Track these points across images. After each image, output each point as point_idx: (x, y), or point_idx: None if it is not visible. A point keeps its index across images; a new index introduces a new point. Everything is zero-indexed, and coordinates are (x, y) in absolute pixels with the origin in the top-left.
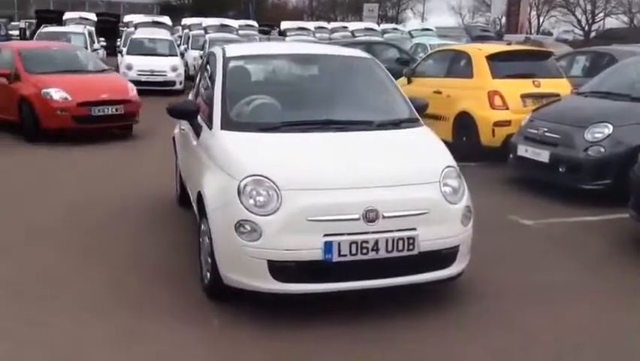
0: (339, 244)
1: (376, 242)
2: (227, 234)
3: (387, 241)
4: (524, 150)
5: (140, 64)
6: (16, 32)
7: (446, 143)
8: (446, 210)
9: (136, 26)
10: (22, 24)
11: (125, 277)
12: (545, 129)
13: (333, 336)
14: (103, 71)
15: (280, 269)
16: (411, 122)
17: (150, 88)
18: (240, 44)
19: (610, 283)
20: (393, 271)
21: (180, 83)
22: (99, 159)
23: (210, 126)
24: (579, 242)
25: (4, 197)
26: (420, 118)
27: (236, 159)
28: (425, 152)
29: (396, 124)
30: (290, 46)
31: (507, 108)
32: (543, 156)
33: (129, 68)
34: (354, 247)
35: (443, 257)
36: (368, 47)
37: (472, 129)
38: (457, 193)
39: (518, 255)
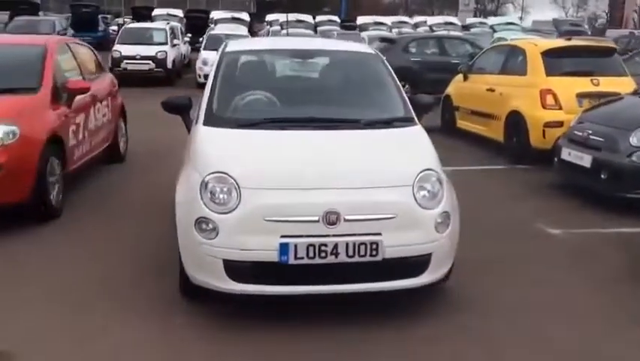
0: (295, 246)
1: (336, 246)
2: (188, 231)
3: (347, 246)
4: (567, 154)
5: (215, 58)
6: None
7: (497, 144)
8: (417, 216)
9: (215, 22)
10: (120, 20)
11: (116, 270)
12: (590, 132)
13: (297, 341)
14: None
15: (236, 269)
16: (404, 122)
17: None
18: (246, 39)
19: (614, 307)
20: (355, 277)
21: None
22: None
23: (196, 122)
24: (602, 256)
25: None
26: (414, 117)
27: (205, 155)
28: (406, 153)
29: (387, 123)
30: (294, 41)
31: (560, 108)
32: (585, 160)
33: (204, 63)
34: (311, 249)
35: (412, 265)
36: (438, 41)
37: (523, 130)
38: (434, 198)
39: (528, 266)
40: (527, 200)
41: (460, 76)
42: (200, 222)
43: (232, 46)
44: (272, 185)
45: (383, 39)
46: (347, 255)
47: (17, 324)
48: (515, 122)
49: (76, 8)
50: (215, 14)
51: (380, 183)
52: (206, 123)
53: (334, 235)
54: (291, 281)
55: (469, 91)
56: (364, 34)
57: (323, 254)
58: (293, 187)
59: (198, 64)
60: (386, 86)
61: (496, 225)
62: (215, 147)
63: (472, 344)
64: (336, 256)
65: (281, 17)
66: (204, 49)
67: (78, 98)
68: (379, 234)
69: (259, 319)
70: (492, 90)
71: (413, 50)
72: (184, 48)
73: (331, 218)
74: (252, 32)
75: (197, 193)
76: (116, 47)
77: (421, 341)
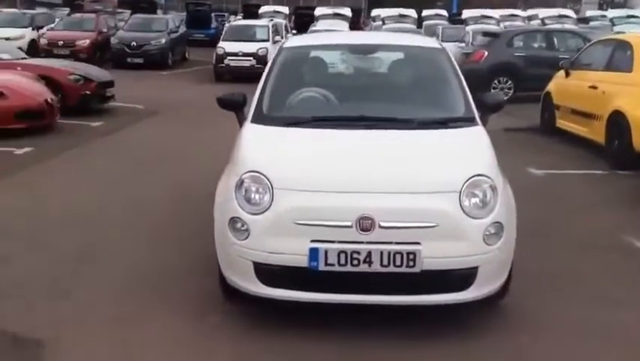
0: (326, 252)
1: (369, 254)
2: (223, 230)
3: (382, 254)
4: None
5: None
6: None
7: (598, 146)
8: (463, 225)
9: (317, 19)
10: (232, 18)
11: (166, 260)
12: None
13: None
14: None
15: (266, 272)
16: (463, 122)
17: None
18: (309, 35)
19: None
20: (390, 288)
21: None
22: None
23: (246, 119)
24: None
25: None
26: (476, 117)
27: (244, 153)
28: (457, 157)
29: (443, 123)
30: (356, 36)
31: None
32: None
33: None
34: (343, 256)
35: (455, 279)
36: (546, 35)
37: (625, 132)
38: (485, 207)
39: (605, 283)
40: (622, 209)
41: (561, 72)
42: (234, 222)
43: (291, 42)
44: (305, 187)
45: (486, 33)
46: (381, 264)
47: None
48: (617, 123)
49: (191, 7)
50: (318, 10)
51: (422, 188)
52: (253, 121)
53: (368, 242)
54: (322, 289)
55: (570, 88)
56: (469, 28)
57: (355, 262)
58: (327, 190)
59: None
60: (448, 83)
61: (580, 235)
62: (256, 146)
63: None
64: (370, 265)
65: (384, 12)
66: None
67: None
68: (418, 243)
69: (293, 322)
70: (594, 88)
71: (518, 45)
72: None
73: (365, 224)
74: (359, 27)
75: (233, 192)
76: (221, 43)
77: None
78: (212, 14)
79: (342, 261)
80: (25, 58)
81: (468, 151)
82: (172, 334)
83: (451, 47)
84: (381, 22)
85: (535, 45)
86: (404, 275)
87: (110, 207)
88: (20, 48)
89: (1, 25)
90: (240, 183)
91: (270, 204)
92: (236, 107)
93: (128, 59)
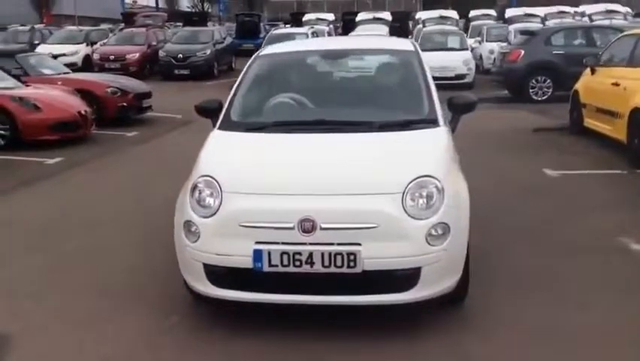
0: (269, 253)
1: (311, 255)
2: (179, 233)
3: (323, 255)
4: None
5: (433, 59)
6: None
7: (622, 146)
8: (404, 226)
9: (357, 23)
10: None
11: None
12: None
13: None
14: None
15: (215, 274)
16: (424, 124)
17: (440, 82)
18: (289, 42)
19: None
20: (333, 288)
21: (470, 77)
22: None
23: (214, 125)
24: None
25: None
26: (438, 119)
27: (202, 158)
28: (406, 158)
29: (403, 125)
30: (331, 42)
31: None
32: None
33: None
34: (285, 257)
35: (397, 279)
36: (586, 32)
37: None
38: (429, 208)
39: (579, 286)
40: (629, 210)
41: (588, 70)
42: (188, 225)
43: (268, 49)
44: (250, 190)
45: (523, 31)
46: (323, 265)
47: None
48: (638, 120)
49: (240, 17)
50: (360, 16)
51: (365, 190)
52: (220, 127)
53: (310, 244)
54: (268, 289)
55: (595, 86)
56: (511, 27)
57: (297, 263)
58: (270, 192)
59: None
60: (414, 85)
61: (574, 236)
62: (214, 152)
63: None
64: (312, 266)
65: (425, 14)
66: None
67: None
68: (358, 244)
69: (259, 323)
70: (616, 85)
71: (556, 43)
72: None
73: (306, 225)
74: (407, 32)
75: (187, 196)
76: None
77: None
78: (262, 24)
79: (285, 262)
80: (67, 73)
81: (419, 153)
82: (137, 330)
83: (493, 47)
84: (421, 26)
85: (575, 42)
86: (346, 276)
87: (123, 213)
88: (75, 63)
89: (59, 41)
90: (194, 188)
91: (219, 208)
92: (210, 113)
93: (175, 71)
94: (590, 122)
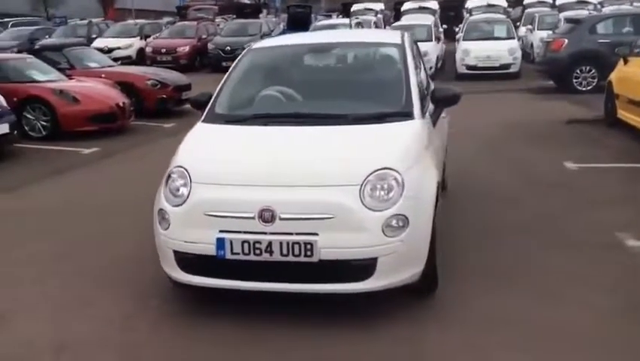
0: (231, 242)
1: (270, 244)
2: (155, 221)
3: (281, 244)
4: None
5: (477, 49)
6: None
7: None
8: (360, 217)
9: (403, 13)
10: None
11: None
12: None
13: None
14: None
15: (183, 260)
16: (398, 116)
17: (485, 72)
18: (281, 36)
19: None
20: (291, 276)
21: (516, 66)
22: None
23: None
24: None
25: None
26: (413, 112)
27: (179, 150)
28: (370, 150)
29: (377, 118)
30: (319, 35)
31: None
32: None
33: (466, 54)
34: (246, 246)
35: (354, 269)
36: (635, 19)
37: None
38: (387, 200)
39: (564, 281)
40: (632, 206)
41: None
42: (161, 214)
43: (260, 43)
44: (216, 180)
45: (568, 20)
46: (281, 253)
47: None
48: None
49: (292, 9)
50: (405, 5)
51: (324, 182)
52: (204, 120)
53: (270, 233)
54: (230, 276)
55: (627, 76)
56: (562, 15)
57: (257, 251)
58: (234, 183)
59: (459, 55)
60: (393, 78)
61: (572, 232)
62: (191, 143)
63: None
64: (271, 254)
65: (472, 3)
66: (465, 39)
67: None
68: (315, 234)
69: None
70: None
71: (602, 31)
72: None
73: (266, 215)
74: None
75: (162, 186)
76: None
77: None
78: (313, 15)
79: (246, 250)
80: (111, 66)
81: (385, 145)
82: (117, 313)
83: (544, 36)
84: (468, 15)
85: (623, 30)
86: (304, 264)
87: (143, 202)
88: (129, 56)
89: (114, 35)
90: (168, 178)
91: (187, 197)
92: (202, 106)
93: (223, 63)
94: (622, 113)
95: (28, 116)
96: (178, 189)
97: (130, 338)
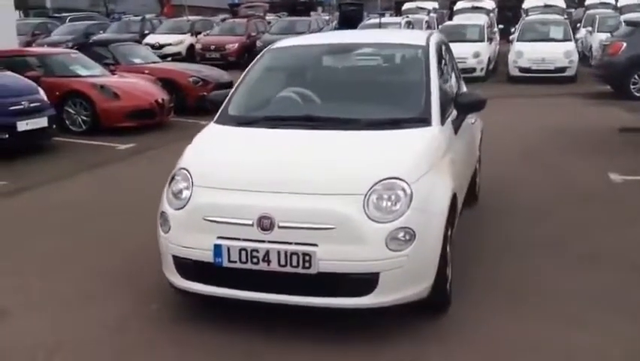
0: (228, 249)
1: (267, 253)
2: (157, 224)
3: (279, 253)
4: None
5: (532, 51)
6: None
7: None
8: (363, 229)
9: (455, 13)
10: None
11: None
12: None
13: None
14: None
15: (182, 266)
16: (415, 122)
17: (539, 75)
18: (306, 36)
19: None
20: (289, 288)
21: (572, 69)
22: None
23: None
24: None
25: None
26: (431, 118)
27: (186, 151)
28: (379, 158)
29: (392, 123)
30: (342, 35)
31: None
32: None
33: (519, 55)
34: (244, 254)
35: (354, 283)
36: None
37: None
38: (392, 212)
39: (577, 303)
40: None
41: None
42: (163, 216)
43: (282, 42)
44: (217, 184)
45: (628, 22)
46: (279, 263)
47: None
48: None
49: (344, 6)
50: (458, 5)
51: (327, 190)
52: (216, 120)
53: (269, 241)
54: (227, 284)
55: None
56: (623, 17)
57: (255, 260)
58: (234, 188)
59: (512, 57)
60: (414, 82)
61: (597, 249)
62: (198, 144)
63: None
64: (269, 264)
65: (528, 3)
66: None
67: None
68: (315, 245)
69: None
70: None
71: None
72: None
73: (265, 223)
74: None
75: (166, 188)
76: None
77: None
78: (365, 13)
79: (244, 258)
80: (155, 62)
81: (395, 153)
82: (115, 314)
83: (602, 38)
84: (524, 15)
85: None
86: (302, 276)
87: None
88: (179, 52)
89: (166, 31)
90: (171, 179)
91: (188, 201)
92: (219, 105)
93: None
94: None
95: (70, 110)
96: (180, 192)
97: (123, 341)
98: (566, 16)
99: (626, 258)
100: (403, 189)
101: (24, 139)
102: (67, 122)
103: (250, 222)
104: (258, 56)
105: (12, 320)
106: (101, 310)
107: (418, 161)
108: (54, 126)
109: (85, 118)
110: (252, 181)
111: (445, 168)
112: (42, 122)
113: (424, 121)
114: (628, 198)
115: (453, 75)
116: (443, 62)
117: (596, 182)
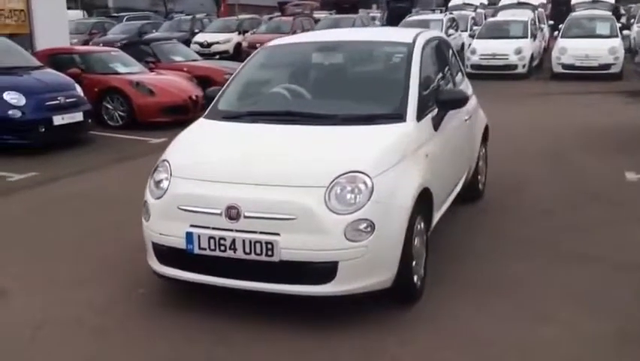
0: (199, 237)
1: (233, 241)
2: (141, 213)
3: (244, 242)
4: None
5: (575, 47)
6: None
7: None
8: (323, 220)
9: (499, 9)
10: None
11: None
12: None
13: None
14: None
15: (160, 252)
16: (389, 119)
17: (583, 72)
18: (298, 35)
19: None
20: (253, 275)
21: (617, 67)
22: None
23: None
24: None
25: None
26: (406, 115)
27: (172, 143)
28: (345, 153)
29: (367, 119)
30: (331, 33)
31: None
32: None
33: (562, 52)
34: (212, 242)
35: (314, 271)
36: None
37: None
38: (353, 204)
39: (555, 301)
40: None
41: None
42: (145, 205)
43: (275, 41)
44: (192, 175)
45: None
46: (244, 251)
47: None
48: None
49: (392, 4)
50: (503, 0)
51: (290, 182)
52: (205, 115)
53: (236, 230)
54: (199, 270)
55: None
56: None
57: (222, 248)
58: (206, 179)
59: (555, 53)
60: (394, 79)
61: (594, 249)
62: (183, 137)
63: None
64: (235, 252)
65: None
66: (562, 36)
67: None
68: (277, 234)
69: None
70: None
71: None
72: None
73: (232, 213)
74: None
75: (149, 178)
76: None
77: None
78: (415, 10)
79: (212, 246)
80: (195, 60)
81: (362, 147)
82: (102, 297)
83: None
84: (564, 8)
85: None
86: (265, 264)
87: None
88: (227, 50)
89: (215, 30)
90: (154, 170)
91: (166, 190)
92: (209, 101)
93: None
94: None
95: (108, 105)
96: (161, 182)
97: (103, 321)
98: (623, 11)
99: (617, 257)
100: (365, 182)
101: (60, 133)
102: (105, 117)
103: (219, 211)
104: (252, 54)
105: (9, 300)
106: (91, 293)
107: (383, 155)
108: (90, 121)
109: (121, 113)
110: (223, 173)
111: (417, 164)
112: (78, 116)
113: (398, 117)
114: (639, 197)
115: (448, 73)
116: (431, 60)
117: (611, 181)
